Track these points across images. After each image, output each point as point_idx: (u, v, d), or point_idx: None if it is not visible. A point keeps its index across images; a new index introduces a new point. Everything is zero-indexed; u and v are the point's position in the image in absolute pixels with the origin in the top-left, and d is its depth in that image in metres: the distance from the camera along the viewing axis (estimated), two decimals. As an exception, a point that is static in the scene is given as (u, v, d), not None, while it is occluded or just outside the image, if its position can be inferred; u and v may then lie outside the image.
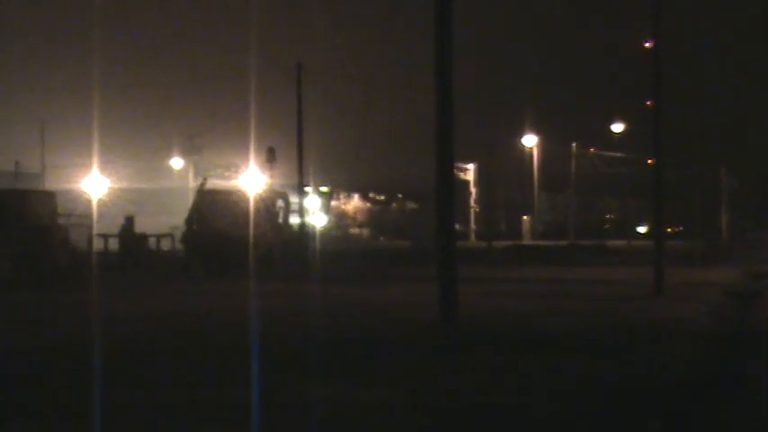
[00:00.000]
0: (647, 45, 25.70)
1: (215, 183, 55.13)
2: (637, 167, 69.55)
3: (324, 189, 70.46)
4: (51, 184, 70.58)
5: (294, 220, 46.06)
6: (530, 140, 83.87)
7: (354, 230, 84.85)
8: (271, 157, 49.92)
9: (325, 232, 60.79)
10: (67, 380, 12.29)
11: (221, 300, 24.10)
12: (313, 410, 10.29)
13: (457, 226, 22.86)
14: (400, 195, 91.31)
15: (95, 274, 30.78)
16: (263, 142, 49.37)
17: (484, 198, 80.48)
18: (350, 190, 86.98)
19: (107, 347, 14.52)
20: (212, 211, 38.32)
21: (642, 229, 78.46)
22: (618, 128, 75.71)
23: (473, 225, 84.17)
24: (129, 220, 41.76)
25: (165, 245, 44.03)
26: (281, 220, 41.91)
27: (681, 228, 69.87)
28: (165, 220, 53.07)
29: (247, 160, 56.87)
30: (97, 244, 40.05)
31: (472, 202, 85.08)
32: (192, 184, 71.28)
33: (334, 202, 79.52)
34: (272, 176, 51.15)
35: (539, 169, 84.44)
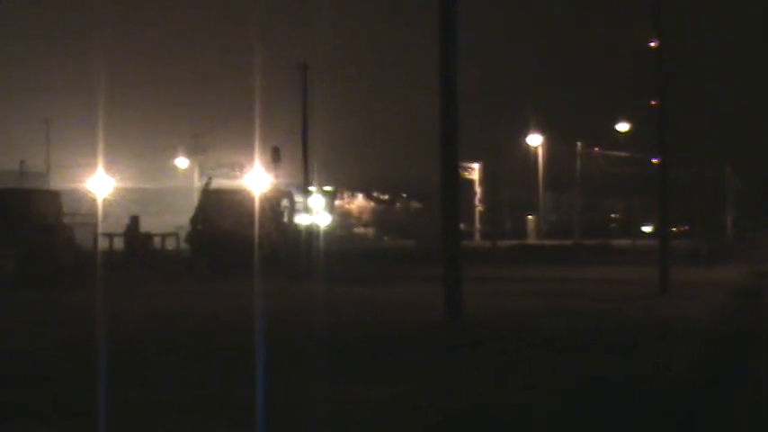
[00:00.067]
0: (651, 45, 25.67)
1: (220, 182, 55.12)
2: (641, 167, 69.50)
3: (328, 188, 70.46)
4: (56, 183, 70.63)
5: (299, 219, 46.05)
6: (535, 140, 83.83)
7: (359, 230, 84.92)
8: (275, 157, 49.88)
9: (330, 232, 60.78)
10: (72, 379, 12.29)
11: (226, 299, 24.10)
12: (318, 410, 10.29)
13: (462, 225, 22.83)
14: (404, 195, 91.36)
15: (100, 274, 30.79)
16: (268, 142, 49.35)
17: (489, 197, 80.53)
18: (354, 189, 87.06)
19: (112, 347, 14.51)
20: (217, 210, 38.30)
21: (647, 229, 78.34)
22: (623, 127, 75.62)
23: (478, 224, 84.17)
24: (134, 220, 41.78)
25: (170, 244, 44.07)
26: (285, 220, 41.89)
27: (686, 227, 69.82)
28: (170, 220, 53.15)
29: (252, 160, 56.98)
30: (102, 243, 40.13)
31: (477, 202, 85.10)
32: (197, 183, 71.23)
33: (338, 202, 79.56)
34: (276, 176, 51.17)
35: (543, 169, 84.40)
